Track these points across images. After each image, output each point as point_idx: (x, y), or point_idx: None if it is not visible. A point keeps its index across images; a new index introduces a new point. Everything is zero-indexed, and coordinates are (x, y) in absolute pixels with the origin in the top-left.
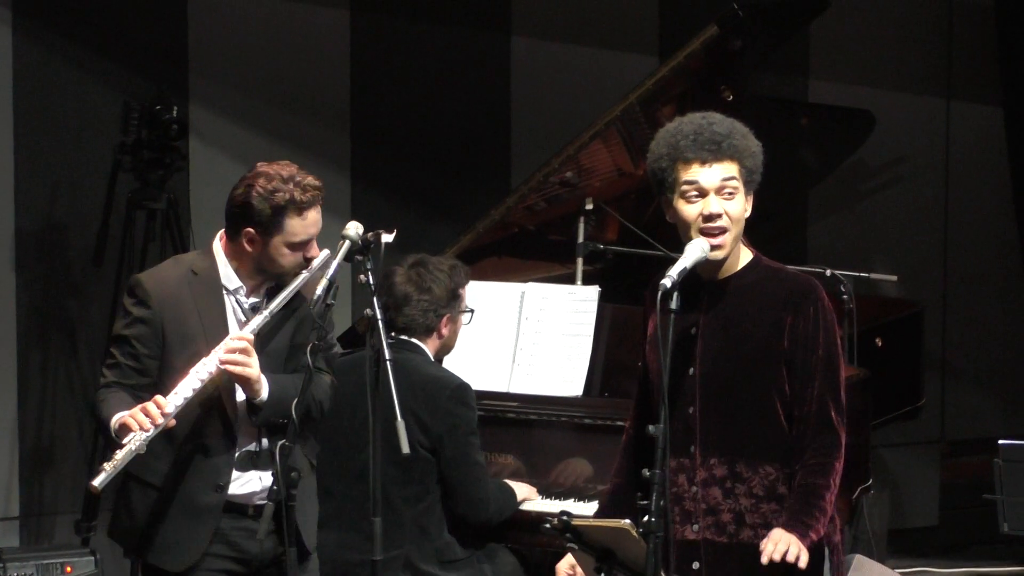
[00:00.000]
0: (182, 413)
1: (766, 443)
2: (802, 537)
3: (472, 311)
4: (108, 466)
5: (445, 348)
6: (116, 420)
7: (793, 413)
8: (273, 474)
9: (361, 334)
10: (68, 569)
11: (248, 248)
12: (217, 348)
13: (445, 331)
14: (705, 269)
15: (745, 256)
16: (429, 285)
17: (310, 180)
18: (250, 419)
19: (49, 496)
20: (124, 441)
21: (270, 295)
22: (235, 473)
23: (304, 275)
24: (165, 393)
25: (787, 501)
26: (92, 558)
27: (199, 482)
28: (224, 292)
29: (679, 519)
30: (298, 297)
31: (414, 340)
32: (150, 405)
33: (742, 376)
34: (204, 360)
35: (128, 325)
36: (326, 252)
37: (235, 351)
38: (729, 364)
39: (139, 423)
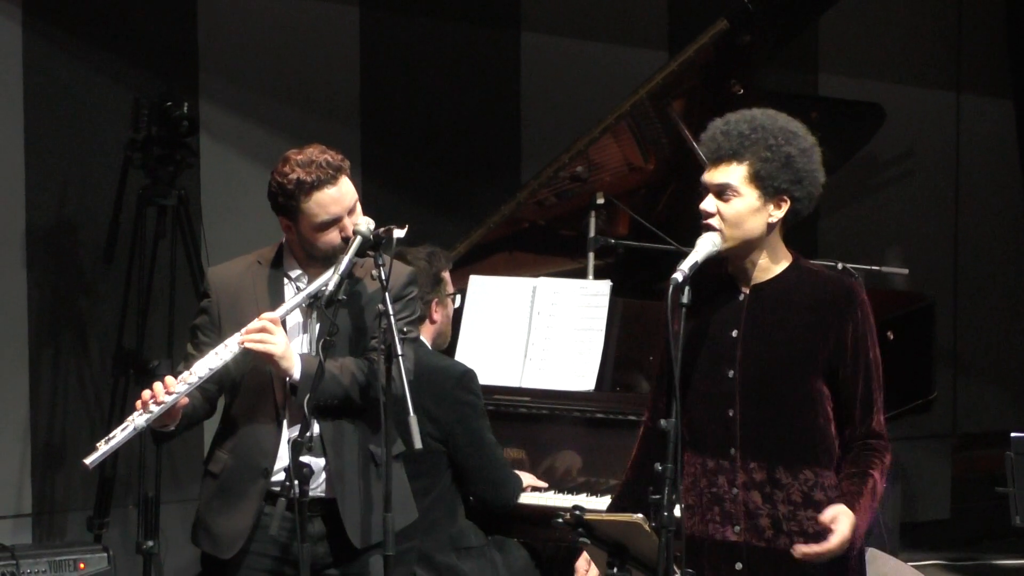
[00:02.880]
0: (240, 404)
1: (806, 448)
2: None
3: (458, 293)
4: (102, 444)
5: (441, 336)
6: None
7: (843, 416)
8: (285, 469)
9: None
10: (81, 565)
11: (289, 235)
12: (242, 331)
13: (437, 316)
14: (737, 268)
15: (785, 260)
16: None
17: (324, 158)
18: (292, 399)
19: (61, 493)
20: (127, 421)
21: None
22: (282, 459)
23: (345, 259)
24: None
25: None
26: (105, 554)
27: (246, 467)
28: (285, 280)
29: (719, 519)
30: (360, 282)
31: None
32: (157, 384)
33: (784, 381)
34: (226, 342)
35: (196, 315)
36: (358, 241)
37: (255, 330)
38: (771, 369)
39: (143, 402)
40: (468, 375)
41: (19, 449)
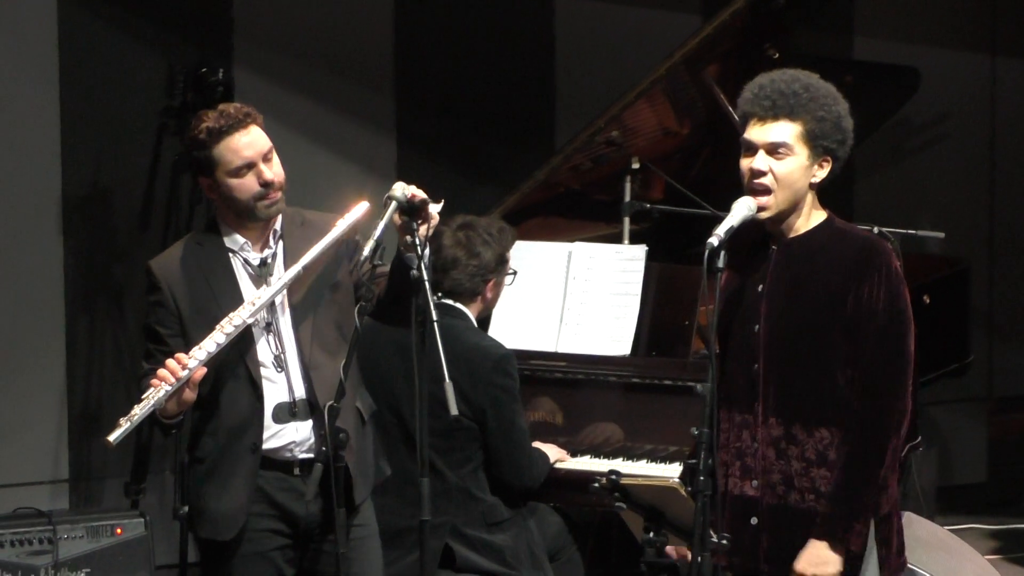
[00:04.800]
0: (214, 385)
1: (823, 406)
2: (839, 541)
3: (515, 272)
4: (124, 421)
5: (487, 310)
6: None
7: (858, 379)
8: (321, 435)
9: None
10: (118, 531)
11: (215, 198)
12: (243, 305)
13: (490, 295)
14: (773, 227)
15: (818, 216)
16: (478, 250)
17: (233, 107)
18: (276, 371)
19: (98, 459)
20: (144, 396)
21: (280, 240)
22: (269, 428)
23: (337, 230)
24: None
25: (835, 478)
26: (142, 520)
27: (236, 446)
28: (230, 254)
29: (739, 474)
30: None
31: (458, 305)
32: (171, 361)
33: (804, 338)
34: (230, 315)
35: (149, 313)
36: (360, 209)
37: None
38: (792, 325)
39: (161, 378)
40: (506, 358)
41: (56, 415)
